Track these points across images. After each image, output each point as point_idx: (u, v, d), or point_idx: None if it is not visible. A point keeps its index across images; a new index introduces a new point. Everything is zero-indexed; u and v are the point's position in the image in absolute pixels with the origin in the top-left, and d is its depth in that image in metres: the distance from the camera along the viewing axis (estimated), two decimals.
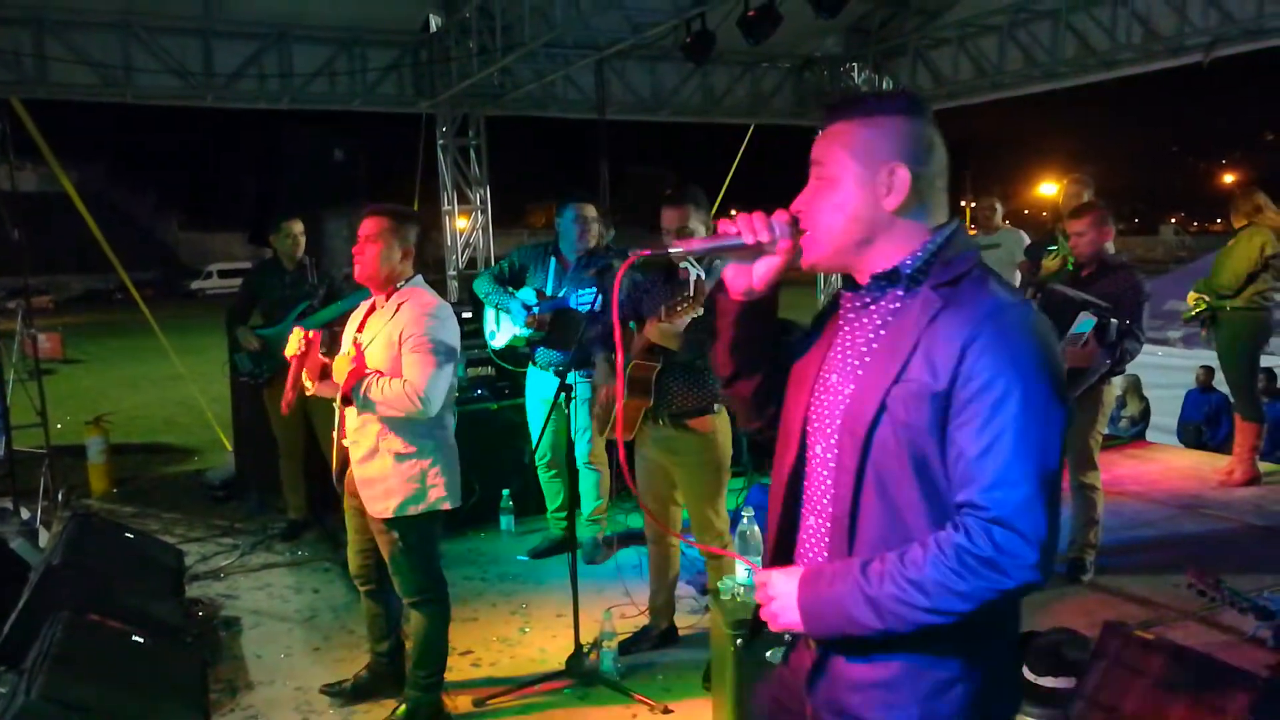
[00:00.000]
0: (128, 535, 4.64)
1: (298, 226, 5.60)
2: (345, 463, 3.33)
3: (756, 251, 1.56)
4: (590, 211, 4.89)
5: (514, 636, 4.21)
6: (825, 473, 1.55)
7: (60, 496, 6.33)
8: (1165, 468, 6.73)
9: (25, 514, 5.63)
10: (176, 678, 3.34)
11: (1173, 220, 68.06)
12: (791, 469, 1.62)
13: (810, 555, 1.60)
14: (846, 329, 1.58)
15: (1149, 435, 8.31)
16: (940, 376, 1.39)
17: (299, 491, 5.73)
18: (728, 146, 11.01)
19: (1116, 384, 7.25)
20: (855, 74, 9.61)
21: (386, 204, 3.36)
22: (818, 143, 1.58)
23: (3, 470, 6.32)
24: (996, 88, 8.60)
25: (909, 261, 1.50)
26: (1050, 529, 1.36)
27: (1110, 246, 4.56)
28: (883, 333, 1.50)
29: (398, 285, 3.24)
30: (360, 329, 3.30)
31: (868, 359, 1.51)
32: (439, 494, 3.26)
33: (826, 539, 1.55)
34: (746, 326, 1.67)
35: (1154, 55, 7.27)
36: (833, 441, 1.53)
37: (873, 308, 1.54)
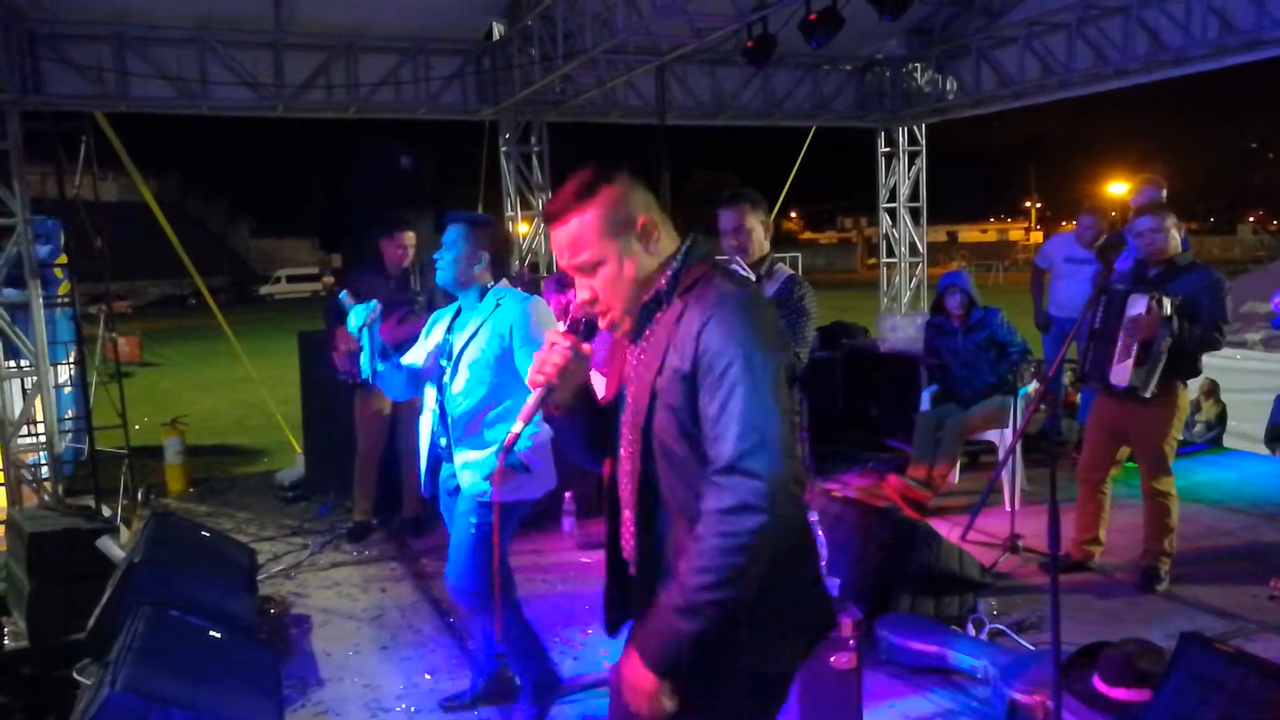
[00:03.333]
0: (204, 534, 4.77)
1: (410, 237, 5.69)
2: (439, 464, 3.38)
3: (569, 373, 1.80)
4: None
5: (577, 638, 4.25)
6: (628, 464, 1.83)
7: (139, 495, 6.55)
8: (1244, 475, 6.53)
9: (107, 512, 5.83)
10: (251, 673, 3.43)
11: (1251, 219, 65.84)
12: (609, 477, 1.92)
13: (629, 543, 1.86)
14: (631, 352, 1.84)
15: (1226, 441, 8.04)
16: (685, 360, 1.68)
17: (370, 495, 5.84)
18: (789, 149, 10.96)
19: (1192, 387, 7.03)
20: (918, 75, 9.49)
21: (464, 212, 3.47)
22: (561, 250, 1.78)
23: (85, 470, 6.56)
24: (1064, 87, 8.39)
25: (664, 285, 1.78)
26: (783, 461, 1.62)
27: (1179, 244, 4.44)
28: (650, 340, 1.78)
29: (488, 286, 3.32)
30: (450, 330, 3.37)
31: (638, 365, 1.79)
32: (527, 485, 3.28)
33: (638, 515, 1.81)
34: (584, 419, 1.92)
35: (1231, 50, 7.03)
36: (628, 437, 1.82)
37: (645, 327, 1.80)
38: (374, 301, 3.24)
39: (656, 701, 1.68)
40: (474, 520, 3.23)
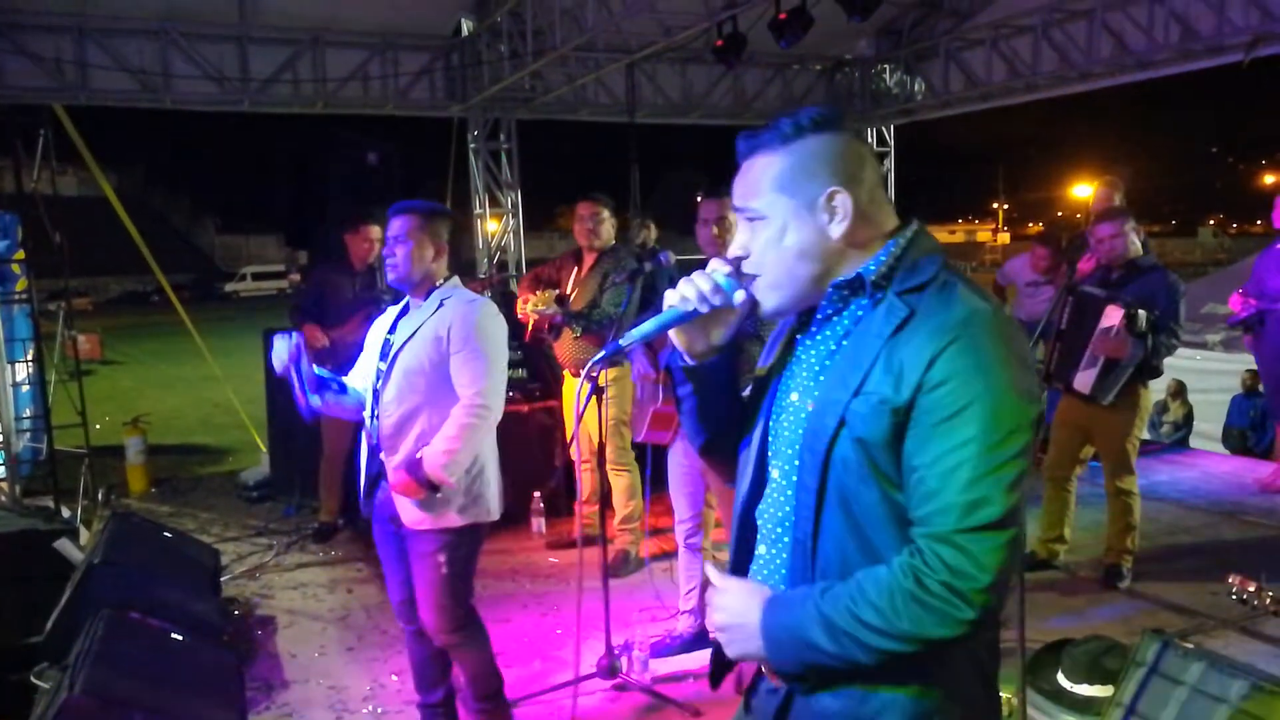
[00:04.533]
0: (166, 535, 4.70)
1: (376, 231, 5.51)
2: (376, 483, 3.08)
3: (713, 314, 1.47)
4: (598, 211, 4.97)
5: (545, 638, 4.23)
6: (783, 497, 1.47)
7: (100, 496, 6.44)
8: (1204, 473, 6.63)
9: (66, 513, 5.72)
10: (214, 675, 3.38)
11: (1211, 222, 67.09)
12: (748, 496, 1.54)
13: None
14: (807, 343, 1.49)
15: (1191, 441, 8.18)
16: (903, 388, 1.31)
17: (335, 495, 5.77)
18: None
19: (1160, 388, 7.12)
20: (887, 76, 9.56)
21: (415, 200, 3.14)
22: (740, 183, 1.46)
23: (44, 470, 6.44)
24: (1030, 89, 8.50)
25: (871, 267, 1.41)
26: (1008, 554, 1.28)
27: (1140, 248, 4.50)
28: (844, 343, 1.41)
29: (436, 284, 3.03)
30: (391, 330, 3.07)
31: (828, 373, 1.42)
32: (484, 503, 3.04)
33: (784, 568, 1.46)
34: (714, 387, 1.56)
35: (1193, 55, 7.15)
36: (794, 463, 1.44)
37: (834, 319, 1.45)
38: (293, 334, 2.92)
39: (732, 642, 1.42)
40: (440, 559, 2.96)
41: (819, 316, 1.47)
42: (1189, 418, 8.30)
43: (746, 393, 1.61)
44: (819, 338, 1.47)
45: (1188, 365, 8.26)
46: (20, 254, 6.82)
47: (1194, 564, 4.87)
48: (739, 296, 1.46)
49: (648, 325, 1.49)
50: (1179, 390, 8.38)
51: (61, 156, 6.73)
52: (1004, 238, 63.37)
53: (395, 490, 2.93)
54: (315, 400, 2.95)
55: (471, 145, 8.76)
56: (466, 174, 8.86)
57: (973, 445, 1.27)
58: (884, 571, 1.30)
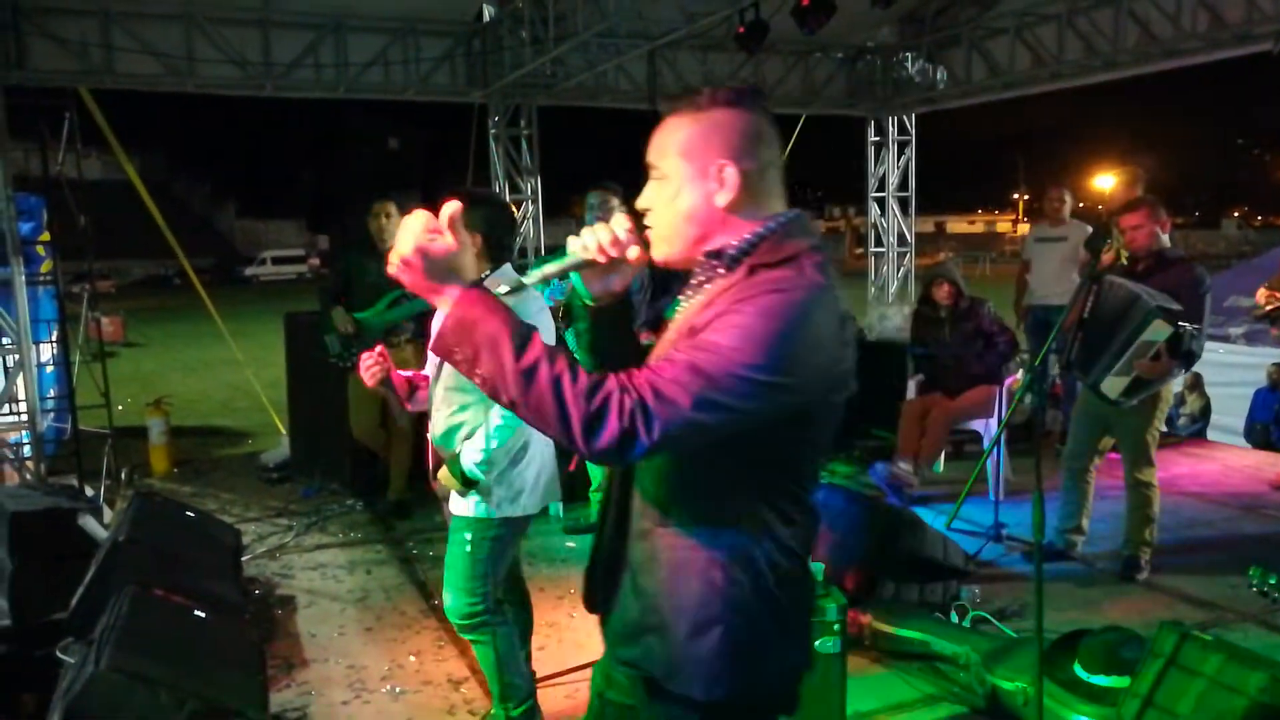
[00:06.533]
0: (188, 514, 4.75)
1: (390, 207, 5.43)
2: (440, 463, 3.07)
3: (611, 264, 1.58)
4: (607, 198, 4.94)
5: (562, 621, 4.26)
6: None
7: (123, 476, 6.52)
8: (1224, 467, 6.58)
9: (89, 492, 5.79)
10: (235, 653, 3.42)
11: (1236, 214, 66.31)
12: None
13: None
14: (677, 308, 1.65)
15: (1209, 434, 8.12)
16: (703, 320, 1.46)
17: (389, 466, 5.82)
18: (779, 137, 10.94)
19: (1175, 381, 7.06)
20: (909, 64, 9.49)
21: (465, 188, 3.08)
22: (653, 140, 1.60)
23: (68, 449, 6.52)
24: (1055, 78, 8.42)
25: (735, 243, 1.54)
26: (685, 431, 1.36)
27: (1167, 240, 4.45)
28: (702, 300, 1.55)
29: (482, 276, 2.90)
30: None
31: (681, 322, 1.57)
32: (521, 498, 3.01)
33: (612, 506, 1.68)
34: (606, 327, 1.71)
35: (1220, 43, 7.06)
36: None
37: (706, 287, 1.57)
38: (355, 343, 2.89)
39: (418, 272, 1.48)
40: (466, 536, 2.98)
41: (692, 283, 1.61)
42: (1206, 410, 8.24)
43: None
44: (687, 305, 1.60)
45: (1210, 358, 8.16)
46: (46, 236, 6.90)
47: (1213, 557, 4.84)
48: (633, 252, 1.57)
49: (548, 265, 1.59)
50: (1196, 382, 8.32)
51: (86, 140, 6.79)
52: (1024, 228, 62.83)
53: (441, 480, 2.96)
54: (403, 412, 2.90)
55: (492, 131, 8.77)
56: (487, 160, 8.87)
57: (708, 351, 1.38)
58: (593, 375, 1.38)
